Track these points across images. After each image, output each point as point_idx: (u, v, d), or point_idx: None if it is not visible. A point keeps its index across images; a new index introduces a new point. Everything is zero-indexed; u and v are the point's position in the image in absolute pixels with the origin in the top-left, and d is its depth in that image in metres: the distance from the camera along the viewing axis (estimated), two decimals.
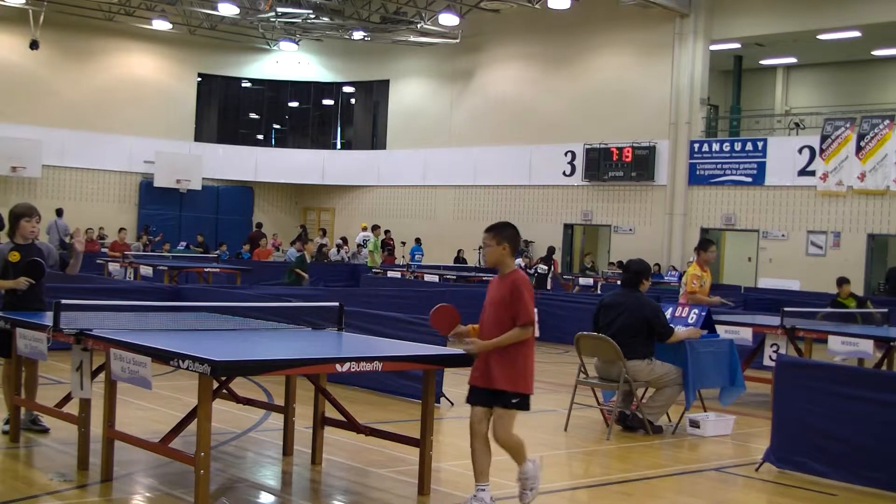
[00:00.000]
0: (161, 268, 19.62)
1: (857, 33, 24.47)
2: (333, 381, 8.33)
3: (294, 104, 36.04)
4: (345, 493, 6.61)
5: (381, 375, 9.60)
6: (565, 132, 27.98)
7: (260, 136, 36.33)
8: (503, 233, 5.84)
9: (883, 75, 28.45)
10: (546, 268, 23.76)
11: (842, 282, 16.39)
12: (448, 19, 27.63)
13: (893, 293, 21.29)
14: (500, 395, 5.74)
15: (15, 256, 7.57)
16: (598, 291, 21.64)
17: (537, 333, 6.02)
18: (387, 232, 29.41)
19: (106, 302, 8.28)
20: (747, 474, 7.45)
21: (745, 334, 10.69)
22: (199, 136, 33.83)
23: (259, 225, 30.84)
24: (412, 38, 30.60)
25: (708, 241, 12.31)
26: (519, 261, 24.92)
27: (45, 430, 7.58)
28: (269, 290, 15.17)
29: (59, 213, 27.19)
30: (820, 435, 7.11)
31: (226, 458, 7.08)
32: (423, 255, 28.80)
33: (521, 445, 5.87)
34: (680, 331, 8.80)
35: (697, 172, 25.64)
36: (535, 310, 5.97)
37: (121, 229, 26.77)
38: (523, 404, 5.76)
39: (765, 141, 24.79)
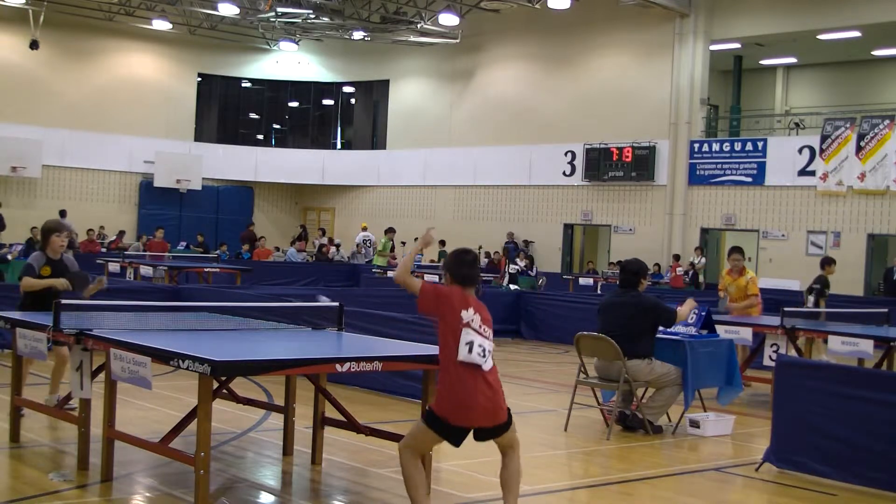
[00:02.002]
0: (161, 268, 19.62)
1: (857, 33, 24.47)
2: (333, 381, 8.34)
3: (294, 104, 36.04)
4: (345, 493, 6.61)
5: (381, 375, 9.60)
6: (565, 132, 27.98)
7: (260, 136, 36.34)
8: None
9: (883, 75, 28.45)
10: (517, 266, 23.65)
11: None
12: (448, 19, 27.63)
13: (891, 293, 21.30)
14: None
15: (46, 271, 8.22)
16: (599, 291, 21.63)
17: (469, 356, 5.29)
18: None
19: (106, 302, 8.28)
20: (747, 474, 7.45)
21: (745, 334, 10.70)
22: (199, 136, 33.84)
23: (251, 224, 31.04)
24: (412, 38, 30.60)
25: (732, 249, 12.42)
26: (518, 260, 24.97)
27: None
28: None
29: (63, 214, 27.23)
30: (820, 435, 7.11)
31: (226, 458, 7.08)
32: (422, 255, 28.78)
33: (409, 476, 5.36)
34: (682, 310, 8.75)
35: (697, 172, 25.63)
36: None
37: (158, 228, 26.54)
38: (426, 418, 5.39)
39: (765, 141, 24.79)
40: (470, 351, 5.25)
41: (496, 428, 5.37)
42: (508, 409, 5.42)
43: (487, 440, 5.41)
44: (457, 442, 5.35)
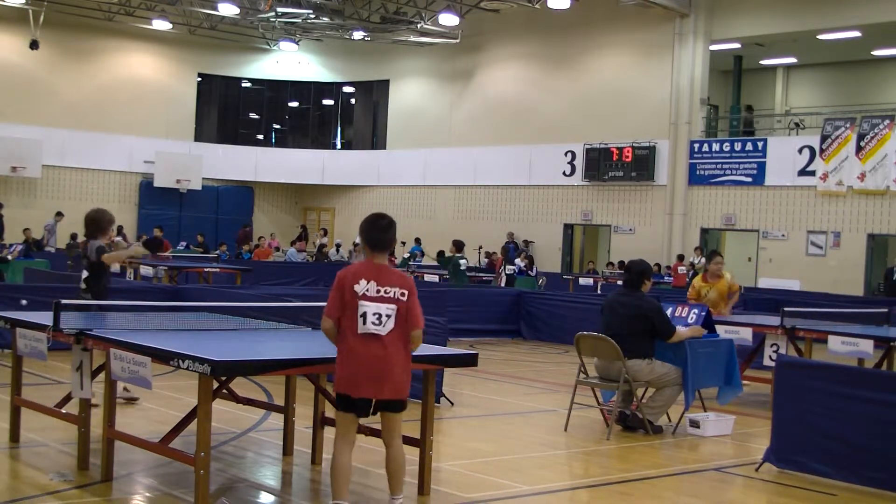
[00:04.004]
0: (161, 268, 19.60)
1: (857, 33, 24.48)
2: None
3: (294, 104, 36.06)
4: None
5: None
6: (565, 132, 27.98)
7: (260, 136, 36.35)
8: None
9: (883, 75, 28.46)
10: (514, 267, 23.58)
11: None
12: (448, 19, 27.64)
13: (891, 293, 21.29)
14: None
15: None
16: (599, 291, 21.62)
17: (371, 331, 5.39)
18: None
19: (106, 302, 8.28)
20: (747, 474, 7.44)
21: (745, 334, 10.69)
22: (199, 136, 33.86)
23: (246, 225, 31.08)
24: (412, 38, 30.61)
25: (712, 253, 12.21)
26: (518, 260, 24.96)
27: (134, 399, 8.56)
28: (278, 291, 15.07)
29: (60, 215, 27.18)
30: (820, 435, 7.11)
31: (226, 458, 7.07)
32: (423, 255, 28.77)
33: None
34: (682, 330, 8.80)
35: (697, 172, 25.64)
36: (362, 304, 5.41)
37: (156, 227, 26.59)
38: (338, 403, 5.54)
39: (765, 141, 24.80)
40: (364, 322, 5.35)
41: (388, 403, 5.45)
42: (405, 399, 5.51)
43: (377, 413, 5.47)
44: (362, 412, 5.44)
